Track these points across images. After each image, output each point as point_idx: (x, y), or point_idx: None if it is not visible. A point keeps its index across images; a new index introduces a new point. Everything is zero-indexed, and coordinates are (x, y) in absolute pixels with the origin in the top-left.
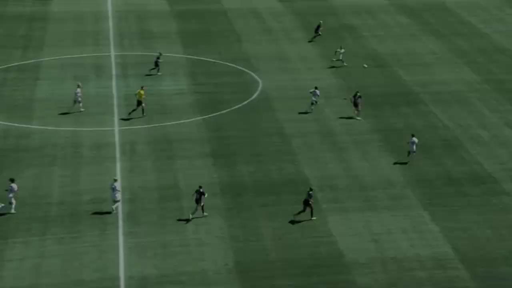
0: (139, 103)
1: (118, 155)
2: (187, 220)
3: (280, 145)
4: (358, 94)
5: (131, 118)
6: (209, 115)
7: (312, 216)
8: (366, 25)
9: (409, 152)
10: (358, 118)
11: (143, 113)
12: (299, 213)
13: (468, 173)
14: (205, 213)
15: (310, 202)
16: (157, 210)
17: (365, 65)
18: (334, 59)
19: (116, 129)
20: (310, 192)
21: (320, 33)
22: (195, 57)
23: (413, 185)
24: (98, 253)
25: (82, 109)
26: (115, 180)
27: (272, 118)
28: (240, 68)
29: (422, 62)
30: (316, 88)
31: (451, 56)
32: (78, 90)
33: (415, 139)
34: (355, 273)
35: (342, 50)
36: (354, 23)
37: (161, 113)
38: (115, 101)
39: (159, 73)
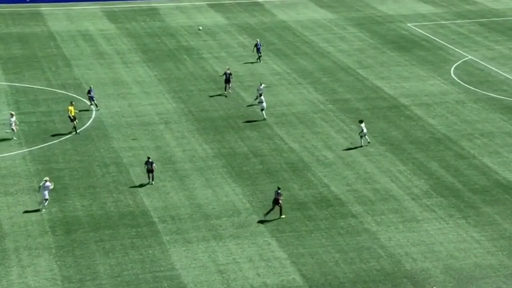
0: (73, 119)
1: None
2: (14, 263)
3: (117, 175)
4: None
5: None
6: (37, 147)
7: (281, 215)
8: (206, 46)
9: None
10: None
11: (75, 130)
12: (268, 212)
13: (315, 196)
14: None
15: (279, 201)
16: None
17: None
18: (255, 99)
19: None
20: (279, 191)
21: (261, 53)
22: (19, 84)
23: (259, 212)
24: None
25: None
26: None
27: (107, 147)
28: (71, 94)
29: (266, 83)
30: (261, 83)
31: (294, 76)
32: None
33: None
34: None
35: (262, 86)
36: (193, 44)
37: None
38: None
39: None
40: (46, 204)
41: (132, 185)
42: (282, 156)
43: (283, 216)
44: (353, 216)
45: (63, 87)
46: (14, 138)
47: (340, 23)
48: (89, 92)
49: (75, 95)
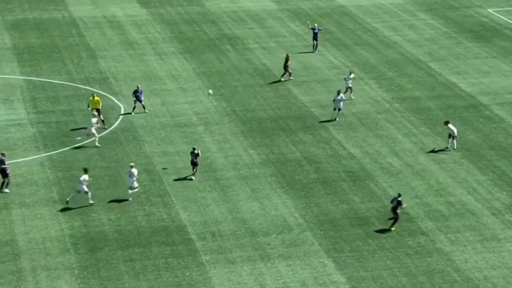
0: (99, 111)
1: None
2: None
3: (149, 184)
4: None
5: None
6: (57, 151)
7: (392, 226)
8: (253, 34)
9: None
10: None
11: (104, 124)
12: (393, 223)
13: (378, 210)
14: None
15: (398, 210)
16: None
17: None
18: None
19: None
20: (399, 199)
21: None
22: (37, 78)
23: (314, 228)
24: None
25: None
26: (131, 167)
27: (138, 151)
28: (96, 90)
29: (322, 78)
30: (350, 72)
31: (355, 71)
32: None
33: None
34: None
35: (352, 76)
36: (237, 32)
37: None
38: None
39: None
40: (136, 190)
41: (166, 196)
42: (341, 164)
43: (393, 229)
44: (423, 233)
45: (86, 81)
46: (98, 144)
47: (409, 8)
48: (135, 92)
49: (100, 91)
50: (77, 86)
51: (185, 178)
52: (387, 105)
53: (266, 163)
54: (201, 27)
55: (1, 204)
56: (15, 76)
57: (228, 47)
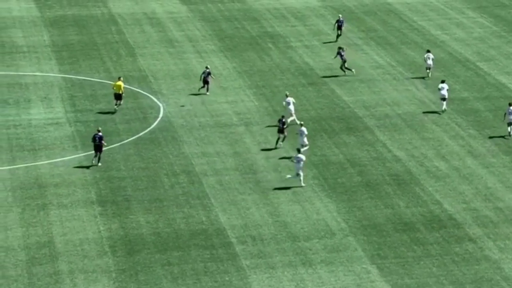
0: (118, 96)
1: None
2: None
3: (187, 186)
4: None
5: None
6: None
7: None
8: (295, 32)
9: None
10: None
11: (115, 106)
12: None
13: (424, 215)
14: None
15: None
16: (24, 278)
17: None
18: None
19: None
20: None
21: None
22: (75, 76)
23: (357, 233)
24: None
25: None
26: (298, 151)
27: (177, 152)
28: (135, 89)
29: (366, 78)
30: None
31: (401, 70)
32: None
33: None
34: None
35: (432, 57)
36: (279, 30)
37: (30, 149)
38: None
39: None
40: (301, 178)
41: (205, 198)
42: (385, 167)
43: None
44: (471, 240)
45: (125, 80)
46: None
47: (457, 6)
48: (203, 73)
49: (139, 90)
50: None
51: (225, 180)
52: (434, 106)
53: (308, 166)
54: (242, 25)
55: (39, 205)
56: (53, 74)
57: (269, 45)
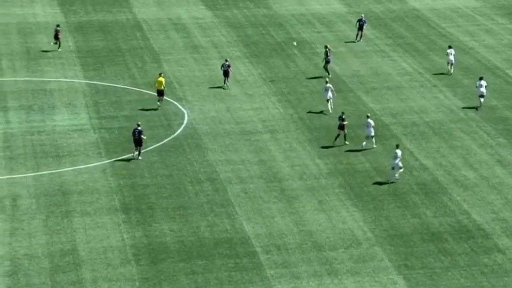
0: (160, 92)
1: None
2: None
3: (212, 194)
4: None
5: (16, 163)
6: (119, 158)
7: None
8: (321, 38)
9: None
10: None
11: (158, 102)
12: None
13: (452, 225)
14: None
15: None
16: (47, 286)
17: (295, 43)
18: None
19: None
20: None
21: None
22: (100, 82)
23: (383, 242)
24: None
25: None
26: (397, 147)
27: (201, 159)
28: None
29: (393, 85)
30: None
31: (428, 77)
32: None
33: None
34: None
35: (453, 52)
36: (305, 36)
37: (54, 156)
38: None
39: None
40: (396, 175)
41: (230, 206)
42: (412, 175)
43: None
44: (500, 251)
45: (150, 86)
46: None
47: (487, 12)
48: (222, 66)
49: (164, 96)
50: (140, 91)
51: (249, 189)
52: (462, 114)
53: (334, 174)
54: (267, 30)
55: (63, 212)
56: (78, 80)
57: (294, 43)
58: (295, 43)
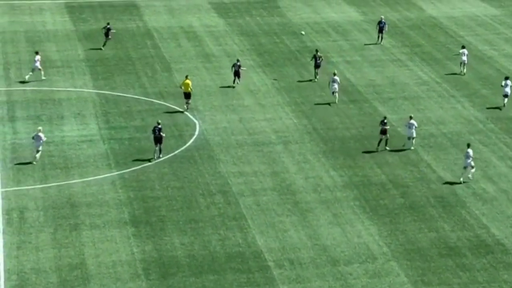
0: (187, 95)
1: (1, 226)
2: None
3: (224, 207)
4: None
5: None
6: (129, 169)
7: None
8: (336, 47)
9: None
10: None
11: (186, 107)
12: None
13: (470, 240)
14: None
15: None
16: None
17: (303, 33)
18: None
19: None
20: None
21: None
22: (109, 92)
23: (399, 257)
24: None
25: None
26: (468, 146)
27: (213, 171)
28: (170, 105)
29: (410, 95)
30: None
31: (446, 87)
32: None
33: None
34: None
35: (466, 52)
36: (320, 45)
37: (62, 167)
38: None
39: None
40: (470, 175)
41: (242, 219)
42: (430, 188)
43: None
44: None
45: (161, 96)
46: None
47: (506, 20)
48: (233, 66)
49: (175, 106)
50: (151, 101)
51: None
52: (481, 126)
53: (348, 186)
54: (281, 39)
55: (72, 225)
56: (87, 90)
57: (302, 32)
58: (303, 33)
